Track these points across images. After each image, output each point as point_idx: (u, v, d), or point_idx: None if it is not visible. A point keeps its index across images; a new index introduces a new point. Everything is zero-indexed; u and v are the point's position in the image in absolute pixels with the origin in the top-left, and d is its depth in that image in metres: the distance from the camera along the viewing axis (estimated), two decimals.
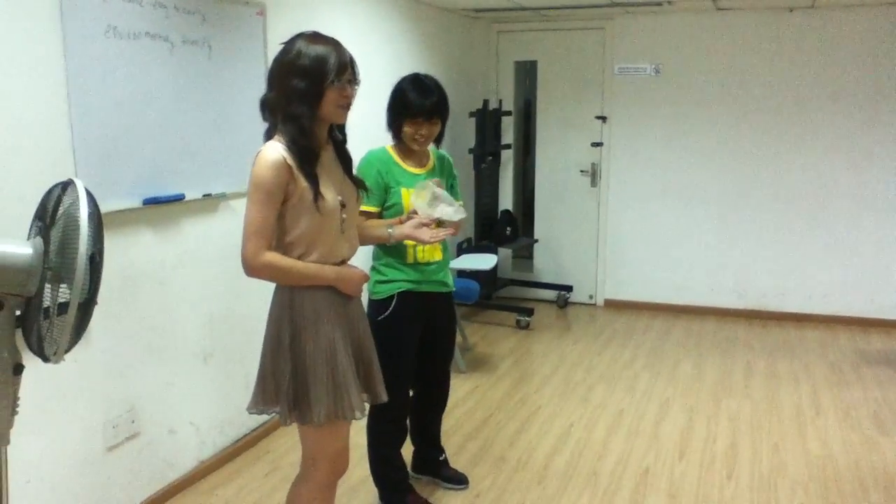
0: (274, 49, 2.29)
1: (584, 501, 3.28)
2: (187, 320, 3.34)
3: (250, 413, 2.32)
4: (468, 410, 4.27)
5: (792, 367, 4.96)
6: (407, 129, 2.91)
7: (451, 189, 3.07)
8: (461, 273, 5.50)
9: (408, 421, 3.27)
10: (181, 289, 3.29)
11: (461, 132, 6.10)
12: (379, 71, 4.85)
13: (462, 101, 6.10)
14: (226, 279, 3.53)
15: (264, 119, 2.23)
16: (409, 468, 3.36)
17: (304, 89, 2.12)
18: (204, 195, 3.35)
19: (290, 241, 2.19)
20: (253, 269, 2.15)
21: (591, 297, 6.61)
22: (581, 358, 5.19)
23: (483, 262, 5.28)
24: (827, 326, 5.87)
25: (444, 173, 3.07)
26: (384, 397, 2.44)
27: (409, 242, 2.89)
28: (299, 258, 2.20)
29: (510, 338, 5.67)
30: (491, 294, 6.22)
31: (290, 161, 2.11)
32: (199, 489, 3.38)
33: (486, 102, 5.99)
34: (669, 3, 5.63)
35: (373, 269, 3.02)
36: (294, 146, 2.13)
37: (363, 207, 2.83)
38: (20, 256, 1.70)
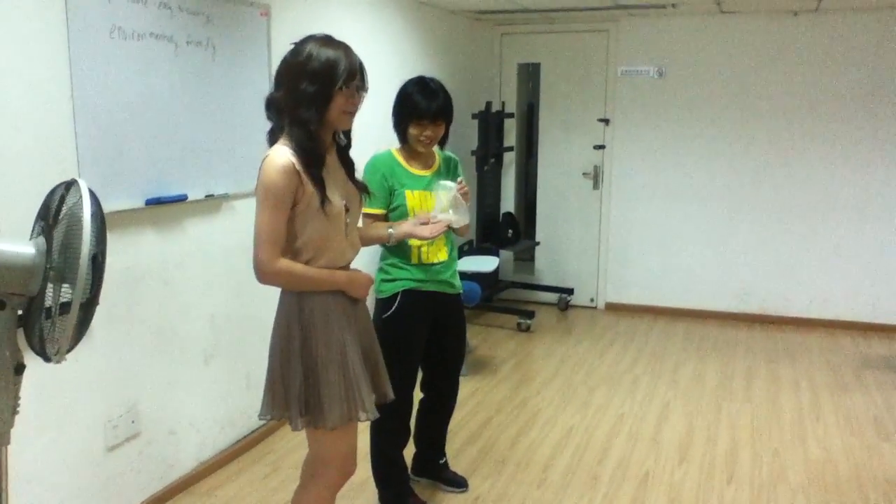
0: (278, 50, 2.30)
1: None
2: (189, 321, 3.34)
3: (262, 420, 2.32)
4: (469, 413, 4.26)
5: (793, 372, 4.96)
6: (412, 131, 2.92)
7: None
8: (462, 275, 5.50)
9: (412, 422, 3.27)
10: (183, 289, 3.29)
11: (464, 134, 6.10)
12: (383, 72, 4.86)
13: (465, 103, 6.09)
14: (228, 280, 3.53)
15: (269, 119, 2.23)
16: (409, 470, 3.36)
17: (313, 93, 2.11)
18: (207, 196, 3.35)
19: (299, 245, 2.18)
20: (267, 275, 2.15)
21: (592, 300, 6.60)
22: (582, 361, 5.19)
23: (484, 264, 5.28)
24: (828, 331, 5.87)
25: (449, 174, 3.08)
26: (391, 395, 2.46)
27: (413, 242, 2.92)
28: (307, 263, 2.20)
29: (511, 340, 5.67)
30: (492, 296, 6.21)
31: (298, 165, 2.10)
32: (199, 490, 3.38)
33: (488, 104, 5.99)
34: (673, 6, 5.63)
35: (379, 269, 3.05)
36: (301, 150, 2.12)
37: (368, 210, 2.88)
38: (22, 256, 1.70)
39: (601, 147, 6.38)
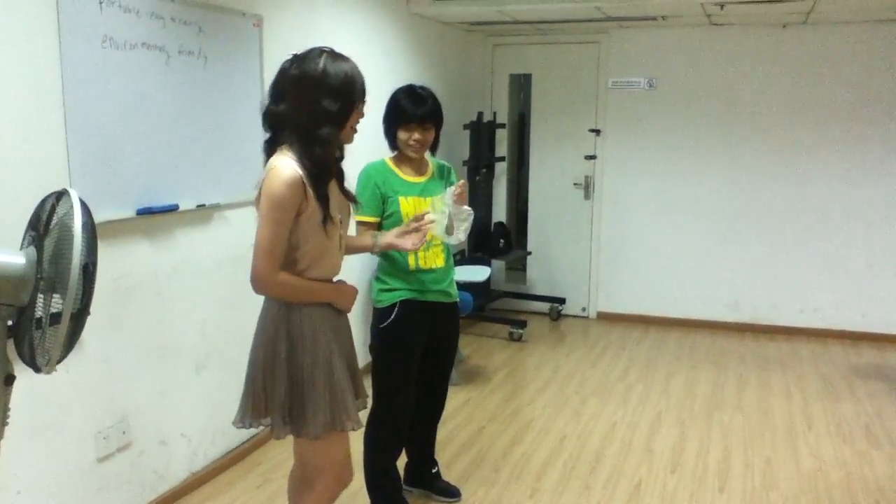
0: (271, 60, 2.30)
1: None
2: (180, 331, 3.33)
3: (236, 427, 2.32)
4: (461, 422, 4.26)
5: (784, 381, 4.97)
6: (401, 136, 2.95)
7: None
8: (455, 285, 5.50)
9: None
10: (174, 299, 3.28)
11: (455, 144, 6.12)
12: (375, 83, 4.84)
13: (457, 113, 6.12)
14: (219, 290, 3.53)
15: (266, 130, 2.20)
16: (401, 480, 3.35)
17: (336, 111, 2.12)
18: (198, 205, 3.34)
19: (297, 256, 2.17)
20: (266, 287, 2.15)
21: (584, 309, 6.61)
22: (574, 370, 5.19)
23: (476, 273, 5.28)
24: (819, 340, 5.89)
25: (443, 180, 3.09)
26: (366, 396, 2.47)
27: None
28: (301, 272, 2.19)
29: (503, 350, 5.67)
30: (484, 306, 6.22)
31: (304, 178, 2.10)
32: (190, 501, 3.37)
33: (480, 115, 6.01)
34: (664, 18, 5.67)
35: (376, 278, 3.05)
36: (316, 168, 2.11)
37: (362, 218, 2.91)
38: (13, 266, 1.70)
39: (592, 157, 6.40)
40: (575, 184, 6.50)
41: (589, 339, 5.97)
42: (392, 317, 2.97)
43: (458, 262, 5.93)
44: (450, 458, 3.77)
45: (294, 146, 2.13)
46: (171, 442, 3.33)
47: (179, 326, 3.33)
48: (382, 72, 4.96)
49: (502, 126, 6.48)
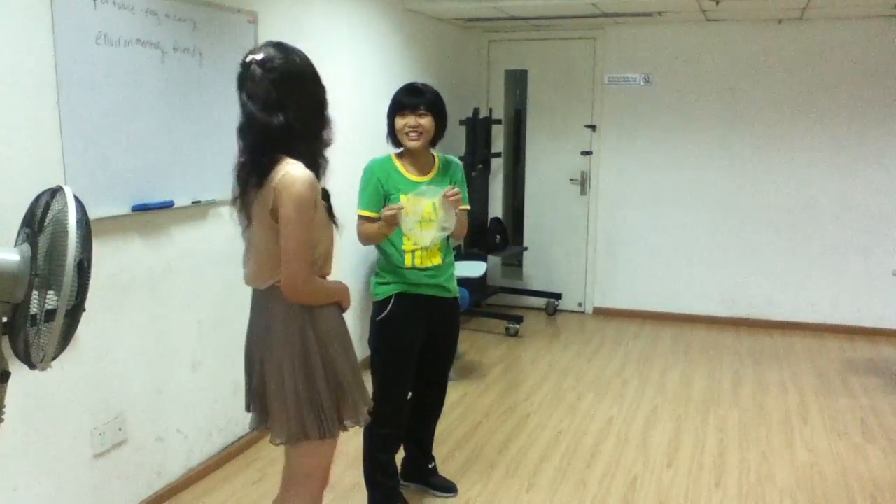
0: None
1: None
2: (176, 327, 3.33)
3: (279, 444, 2.22)
4: (457, 418, 4.27)
5: (780, 376, 4.98)
6: (398, 125, 2.96)
7: None
8: None
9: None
10: (170, 296, 3.28)
11: (451, 140, 6.10)
12: (370, 80, 4.87)
13: (453, 110, 6.07)
14: (215, 287, 3.53)
15: (274, 149, 2.07)
16: (398, 475, 3.37)
17: (325, 98, 2.15)
18: (193, 202, 3.34)
19: (315, 257, 2.15)
20: (302, 292, 2.11)
21: (580, 304, 6.62)
22: (570, 365, 5.20)
23: (473, 269, 5.29)
24: (814, 335, 5.90)
25: (447, 178, 3.09)
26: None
27: (406, 247, 2.97)
28: (319, 270, 2.18)
29: (499, 345, 5.68)
30: (480, 302, 6.22)
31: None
32: (186, 497, 3.37)
33: (476, 110, 6.01)
34: (660, 14, 5.67)
35: (375, 272, 3.10)
36: (320, 166, 2.12)
37: (363, 212, 2.96)
38: (7, 263, 1.70)
39: (588, 153, 6.41)
40: (571, 179, 6.50)
41: (585, 335, 5.98)
42: (388, 309, 3.00)
43: (455, 258, 5.93)
44: (446, 454, 3.78)
45: (303, 150, 2.08)
46: (168, 438, 3.33)
47: (175, 323, 3.33)
48: (377, 68, 4.96)
49: (498, 122, 6.48)
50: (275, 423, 2.20)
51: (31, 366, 1.76)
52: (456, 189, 2.86)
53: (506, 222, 6.78)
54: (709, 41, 5.99)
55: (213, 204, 3.46)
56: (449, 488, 3.41)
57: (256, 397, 2.28)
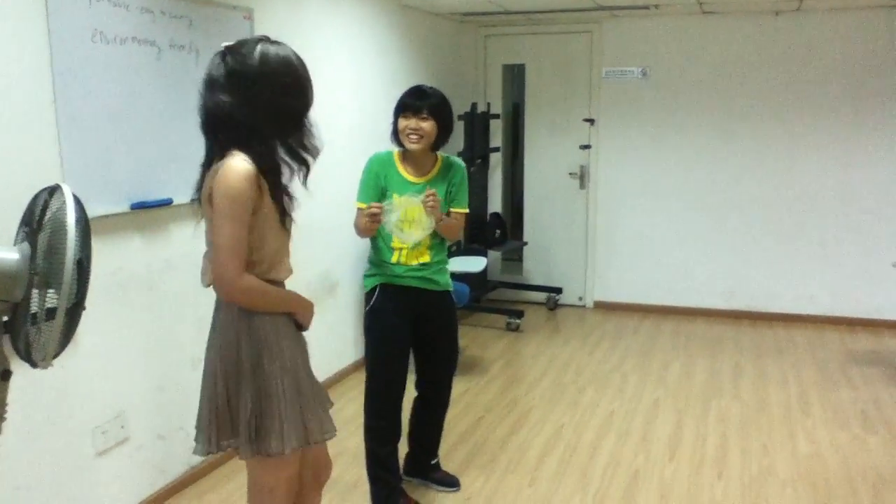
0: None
1: (575, 502, 3.29)
2: (176, 325, 3.33)
3: (200, 455, 2.18)
4: (459, 413, 4.27)
5: (780, 368, 4.99)
6: (400, 126, 2.99)
7: (448, 194, 3.10)
8: (451, 276, 5.49)
9: (405, 421, 3.28)
10: (170, 293, 3.28)
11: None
12: (367, 75, 4.86)
13: (451, 105, 6.10)
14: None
15: (217, 131, 2.05)
16: (401, 470, 3.38)
17: (296, 108, 2.05)
18: (192, 199, 3.31)
19: (255, 259, 2.04)
20: (234, 290, 1.99)
21: (580, 298, 6.62)
22: (571, 360, 5.21)
23: (473, 264, 5.28)
24: (815, 327, 5.91)
25: (445, 182, 3.10)
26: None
27: (395, 244, 3.01)
28: (261, 275, 2.05)
29: (500, 340, 5.68)
30: (481, 297, 6.22)
31: (259, 175, 1.98)
32: (188, 494, 3.37)
33: (474, 106, 6.00)
34: (656, 7, 5.66)
35: (366, 267, 3.15)
36: (272, 164, 2.01)
37: (358, 205, 3.01)
38: (7, 262, 1.70)
39: (587, 147, 6.40)
40: (570, 173, 6.50)
41: (585, 329, 5.98)
42: (373, 300, 3.07)
43: (454, 254, 5.94)
44: (448, 448, 3.78)
45: (252, 144, 1.99)
46: (169, 436, 3.33)
47: (175, 320, 3.32)
48: (374, 64, 4.95)
49: (496, 117, 6.47)
50: (199, 433, 2.15)
51: (33, 364, 1.76)
52: (431, 193, 2.87)
53: (505, 217, 6.78)
54: (706, 34, 5.98)
55: None
56: (451, 483, 3.41)
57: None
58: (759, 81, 5.90)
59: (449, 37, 6.25)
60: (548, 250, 6.68)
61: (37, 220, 1.76)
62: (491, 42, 6.66)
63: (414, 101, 2.96)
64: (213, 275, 2.01)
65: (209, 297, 3.58)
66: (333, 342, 4.67)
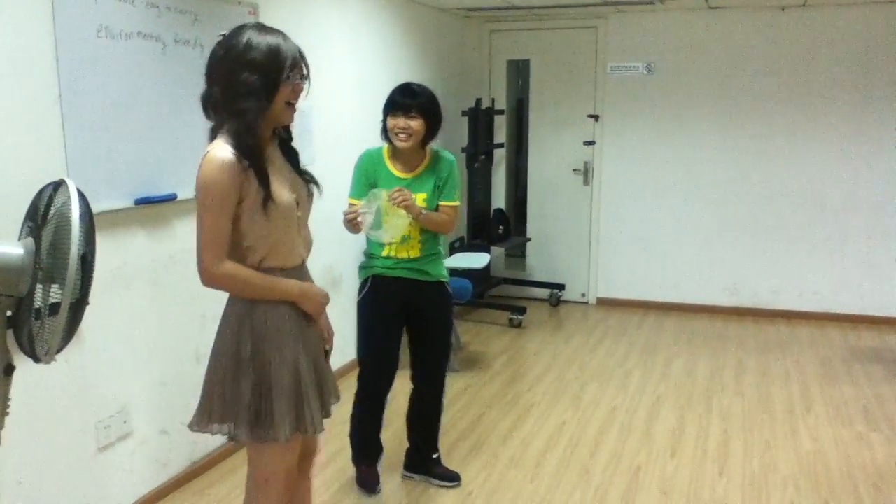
0: None
1: (576, 498, 3.29)
2: (179, 320, 3.34)
3: (193, 431, 2.21)
4: (461, 408, 4.27)
5: (783, 365, 4.98)
6: (389, 124, 3.04)
7: (436, 189, 3.13)
8: (454, 272, 5.51)
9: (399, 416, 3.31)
10: (173, 289, 3.28)
11: (454, 131, 6.11)
12: (371, 71, 4.86)
13: (455, 100, 6.10)
14: None
15: (208, 118, 2.11)
16: (403, 466, 3.47)
17: (256, 83, 1.99)
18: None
19: (249, 245, 2.05)
20: (213, 279, 2.03)
21: (583, 295, 6.62)
22: (573, 356, 5.21)
23: (476, 260, 5.29)
24: (818, 324, 5.90)
25: (434, 176, 3.13)
26: (336, 400, 2.34)
27: (385, 241, 3.08)
28: (260, 262, 2.07)
29: (503, 336, 5.68)
30: (484, 293, 6.23)
31: (241, 161, 1.98)
32: (191, 489, 3.38)
33: (478, 101, 6.00)
34: (661, 2, 5.65)
35: (363, 255, 3.25)
36: (240, 145, 2.00)
37: (350, 200, 3.07)
38: (11, 257, 1.70)
39: (591, 143, 6.39)
40: (574, 170, 6.49)
41: (588, 325, 5.98)
42: (364, 291, 3.17)
43: (458, 250, 5.94)
44: (450, 445, 3.79)
45: (225, 128, 2.03)
46: (172, 431, 3.34)
47: (178, 316, 3.33)
48: (378, 60, 4.95)
49: (501, 112, 6.47)
50: (198, 408, 2.18)
51: (36, 359, 1.77)
52: (397, 190, 2.92)
53: (509, 213, 6.78)
54: (711, 29, 5.96)
55: None
56: (451, 478, 3.42)
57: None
58: (765, 77, 5.89)
59: (453, 32, 6.25)
60: (551, 246, 6.68)
61: (41, 215, 1.77)
62: (495, 37, 6.65)
63: (403, 100, 3.00)
64: (199, 268, 2.05)
65: (212, 292, 3.59)
66: (337, 336, 4.66)
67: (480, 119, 5.99)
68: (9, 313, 1.74)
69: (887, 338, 5.55)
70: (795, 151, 5.90)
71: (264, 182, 2.02)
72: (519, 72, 7.12)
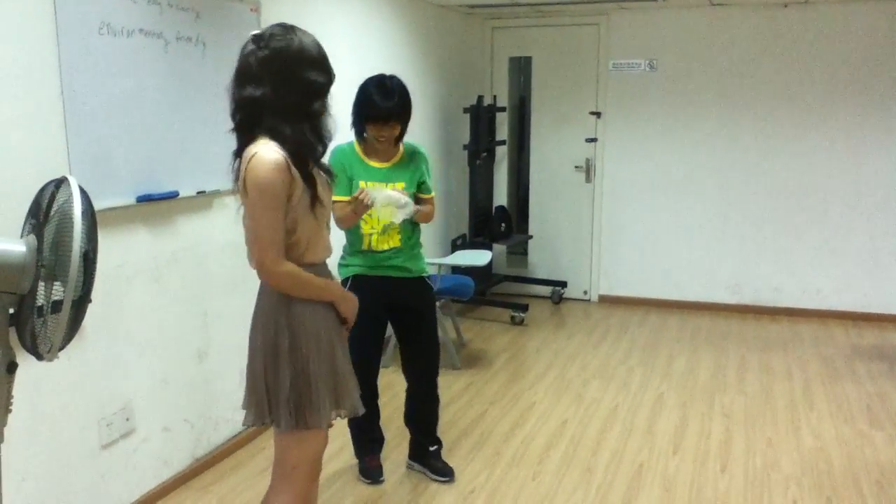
0: None
1: (578, 496, 3.29)
2: (182, 318, 3.34)
3: (247, 426, 2.30)
4: (463, 406, 4.27)
5: (785, 362, 4.98)
6: (370, 132, 3.08)
7: (414, 181, 3.21)
8: (456, 269, 5.51)
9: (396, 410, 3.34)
10: (175, 286, 3.28)
11: (456, 128, 6.10)
12: (374, 67, 4.84)
13: (456, 97, 6.10)
14: (220, 276, 3.53)
15: (240, 118, 2.11)
16: (408, 455, 3.54)
17: (322, 84, 2.10)
18: (198, 192, 3.34)
19: (293, 241, 2.12)
20: (274, 277, 2.09)
21: (585, 292, 6.62)
22: (575, 353, 5.21)
23: (478, 258, 5.28)
24: (820, 321, 5.89)
25: (412, 165, 3.22)
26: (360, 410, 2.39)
27: (364, 230, 3.12)
28: (299, 258, 2.14)
29: (505, 334, 5.68)
30: (486, 290, 6.22)
31: (289, 161, 2.04)
32: (194, 486, 3.39)
33: (480, 98, 5.99)
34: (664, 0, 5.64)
35: (341, 255, 3.26)
36: (303, 147, 2.06)
37: (336, 198, 3.02)
38: (14, 254, 1.70)
39: (593, 140, 6.39)
40: (576, 167, 6.49)
41: (590, 323, 5.98)
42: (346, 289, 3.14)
43: (460, 247, 5.94)
44: (452, 442, 3.79)
45: (278, 129, 2.06)
46: (175, 428, 3.35)
47: (180, 313, 3.33)
48: (380, 57, 4.94)
49: (502, 110, 6.46)
50: (246, 405, 2.26)
51: (39, 357, 1.77)
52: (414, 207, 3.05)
53: (510, 210, 6.77)
54: (713, 26, 5.95)
55: (217, 194, 3.46)
56: (445, 473, 3.43)
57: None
58: (767, 74, 5.88)
59: (455, 29, 6.24)
60: (553, 244, 6.67)
61: (43, 212, 1.77)
62: (498, 34, 6.64)
63: (384, 107, 3.00)
64: (255, 264, 2.10)
65: (214, 290, 3.62)
66: None
67: (482, 116, 5.99)
68: (11, 311, 1.74)
69: (890, 335, 5.55)
70: (797, 148, 5.89)
71: (311, 183, 2.10)
72: (521, 69, 7.11)
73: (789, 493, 3.31)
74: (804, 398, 4.37)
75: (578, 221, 6.56)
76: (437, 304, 3.84)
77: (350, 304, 2.30)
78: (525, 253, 6.91)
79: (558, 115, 6.50)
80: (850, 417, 4.09)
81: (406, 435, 3.55)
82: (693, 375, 4.76)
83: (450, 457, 3.57)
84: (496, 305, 6.15)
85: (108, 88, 2.82)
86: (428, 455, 3.46)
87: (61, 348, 1.75)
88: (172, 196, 3.18)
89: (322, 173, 2.22)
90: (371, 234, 3.13)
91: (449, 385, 4.46)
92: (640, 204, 6.34)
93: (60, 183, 1.78)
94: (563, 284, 6.53)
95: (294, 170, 2.05)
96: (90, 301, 1.77)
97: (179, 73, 3.17)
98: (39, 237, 1.72)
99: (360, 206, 2.93)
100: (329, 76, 2.14)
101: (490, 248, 5.83)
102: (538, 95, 6.59)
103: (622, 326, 5.86)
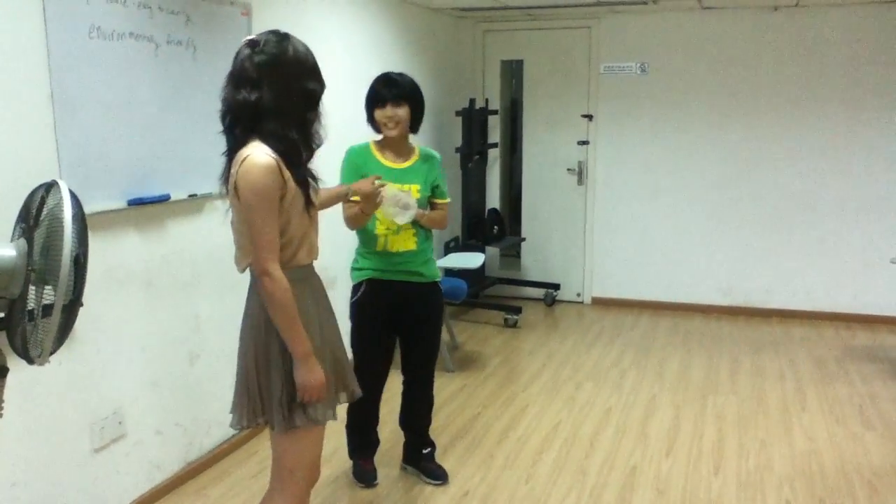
0: None
1: (572, 498, 3.29)
2: (173, 321, 3.33)
3: (235, 429, 2.30)
4: (456, 409, 4.27)
5: (777, 364, 4.99)
6: (377, 117, 3.08)
7: (428, 185, 3.18)
8: (448, 272, 5.51)
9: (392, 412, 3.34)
10: (167, 290, 3.27)
11: (448, 131, 6.10)
12: (365, 71, 4.84)
13: (449, 100, 6.10)
14: (211, 280, 3.52)
15: (231, 121, 2.11)
16: (402, 458, 3.53)
17: (317, 92, 2.13)
18: (189, 195, 3.33)
19: (285, 241, 2.13)
20: (271, 281, 2.06)
21: (578, 294, 6.63)
22: (568, 356, 5.21)
23: (470, 260, 5.28)
24: (812, 323, 5.91)
25: (426, 168, 3.18)
26: (358, 392, 2.44)
27: (379, 231, 3.08)
28: (290, 258, 2.14)
29: (498, 336, 5.68)
30: (478, 293, 6.22)
31: (280, 164, 2.05)
32: (186, 490, 3.38)
33: (472, 101, 6.00)
34: (655, 3, 5.65)
35: (354, 258, 3.23)
36: (295, 151, 2.08)
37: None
38: (3, 258, 1.69)
39: (585, 143, 6.40)
40: (568, 169, 6.50)
41: (583, 325, 5.99)
42: (359, 293, 3.17)
43: (452, 249, 5.94)
44: (445, 444, 3.79)
45: (270, 133, 2.06)
46: (167, 432, 3.34)
47: (172, 316, 3.32)
48: (372, 60, 4.94)
49: (494, 112, 6.47)
50: (236, 406, 2.26)
51: (30, 361, 1.76)
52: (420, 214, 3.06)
53: (503, 213, 6.78)
54: (704, 29, 5.98)
55: (209, 197, 3.45)
56: (438, 476, 3.43)
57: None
58: (758, 77, 5.90)
59: (447, 32, 6.24)
60: (546, 246, 6.68)
61: (33, 216, 1.76)
62: (489, 37, 6.65)
63: (389, 91, 3.04)
64: (256, 268, 2.10)
65: (205, 293, 3.60)
66: None
67: (474, 119, 5.99)
68: (2, 315, 1.74)
69: (881, 336, 5.57)
70: (788, 150, 5.92)
71: (304, 187, 2.12)
72: (513, 72, 7.13)
73: (782, 494, 3.32)
74: (796, 399, 4.38)
75: (571, 224, 6.57)
76: None
77: (312, 373, 2.14)
78: (518, 255, 6.91)
79: (550, 117, 6.51)
80: (842, 418, 4.11)
81: (400, 438, 3.55)
82: (686, 377, 4.77)
83: (443, 459, 3.57)
84: (489, 308, 6.15)
85: (98, 92, 2.81)
86: (421, 458, 3.46)
87: (52, 352, 1.74)
88: (164, 199, 3.17)
89: (309, 178, 2.22)
90: (386, 235, 3.09)
91: (442, 387, 4.46)
92: (632, 206, 6.35)
93: (50, 187, 1.77)
94: (556, 287, 6.54)
95: (286, 171, 2.07)
96: (81, 305, 1.77)
97: (170, 76, 3.16)
98: (29, 241, 1.72)
99: (369, 203, 2.87)
100: (322, 85, 2.17)
101: (483, 251, 5.83)
102: (530, 98, 6.60)
103: (615, 328, 5.87)
